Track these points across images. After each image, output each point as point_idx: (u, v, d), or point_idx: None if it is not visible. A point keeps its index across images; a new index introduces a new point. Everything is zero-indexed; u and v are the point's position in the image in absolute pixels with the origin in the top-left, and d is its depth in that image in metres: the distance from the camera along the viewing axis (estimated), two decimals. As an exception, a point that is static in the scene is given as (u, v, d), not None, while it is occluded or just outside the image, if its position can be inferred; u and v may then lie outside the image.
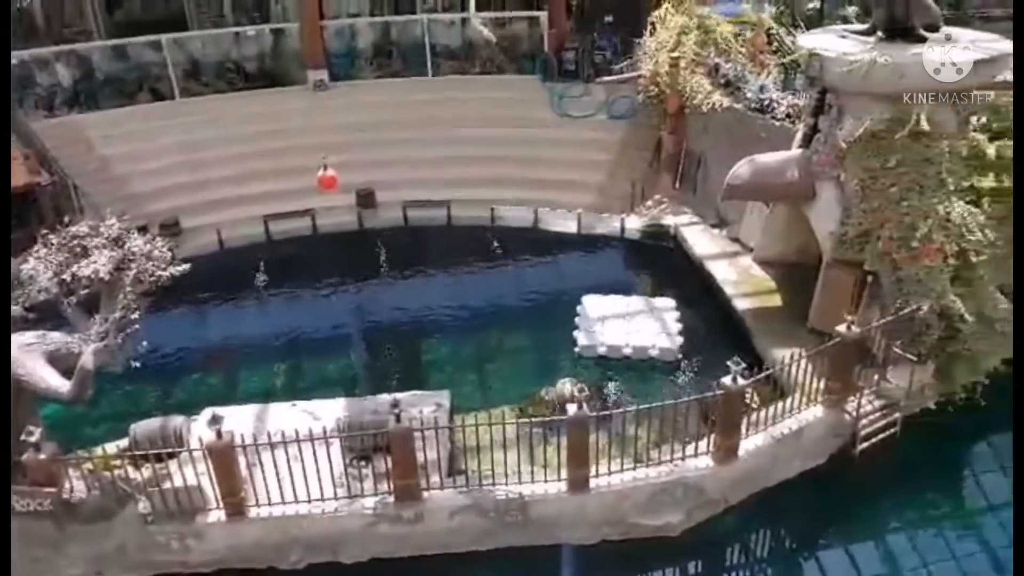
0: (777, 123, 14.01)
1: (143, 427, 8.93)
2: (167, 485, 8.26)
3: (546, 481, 8.67)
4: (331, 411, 9.60)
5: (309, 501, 8.39)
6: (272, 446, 8.18)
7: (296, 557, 8.58)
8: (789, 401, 9.57)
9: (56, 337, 8.02)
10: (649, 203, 16.58)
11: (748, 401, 9.36)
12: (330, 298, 14.72)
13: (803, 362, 9.34)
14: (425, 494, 8.51)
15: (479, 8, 20.98)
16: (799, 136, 12.24)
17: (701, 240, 14.87)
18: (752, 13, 17.66)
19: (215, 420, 8.03)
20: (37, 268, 8.00)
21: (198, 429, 8.91)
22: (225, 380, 12.52)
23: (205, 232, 16.27)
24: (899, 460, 10.05)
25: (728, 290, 13.00)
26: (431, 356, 12.98)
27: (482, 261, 15.73)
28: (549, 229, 16.41)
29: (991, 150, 10.57)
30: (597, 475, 8.68)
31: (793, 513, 9.67)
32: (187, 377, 12.34)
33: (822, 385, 9.69)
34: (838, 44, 11.12)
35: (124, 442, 8.99)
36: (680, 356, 12.03)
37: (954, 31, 11.19)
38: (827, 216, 11.23)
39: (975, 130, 11.02)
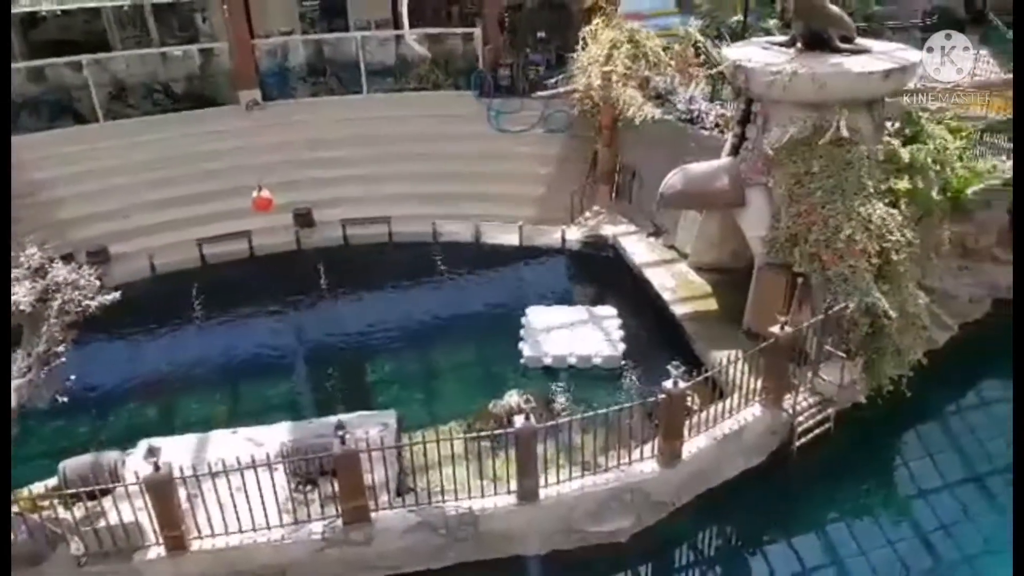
0: (707, 133, 14.44)
1: (73, 464, 8.56)
2: (101, 523, 7.95)
3: (496, 494, 8.69)
4: (274, 436, 9.42)
5: (254, 530, 8.20)
6: (213, 476, 7.96)
7: (243, 588, 8.36)
8: (728, 402, 9.84)
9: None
10: (588, 214, 16.85)
11: (689, 404, 9.58)
12: (270, 321, 14.45)
13: (740, 363, 9.61)
14: (374, 515, 8.41)
15: (413, 25, 20.99)
16: (728, 145, 12.64)
17: (639, 249, 15.17)
18: (679, 27, 18.20)
19: (151, 452, 7.79)
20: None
21: (133, 463, 8.61)
22: (162, 411, 12.14)
23: (135, 258, 15.79)
24: (834, 454, 10.42)
25: (666, 296, 13.30)
26: (376, 375, 12.86)
27: (425, 277, 15.70)
28: (491, 243, 16.50)
29: (905, 154, 11.10)
30: (546, 485, 8.75)
31: (738, 511, 9.90)
32: (121, 410, 11.93)
33: (759, 385, 9.99)
34: (761, 56, 11.57)
35: (53, 481, 8.62)
36: (623, 363, 12.24)
37: (867, 42, 11.78)
38: (757, 221, 11.62)
39: (890, 135, 11.57)
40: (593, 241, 16.05)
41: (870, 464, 10.78)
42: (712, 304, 13.01)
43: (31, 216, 15.53)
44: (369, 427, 9.27)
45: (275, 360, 13.41)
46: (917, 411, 11.17)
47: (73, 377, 8.12)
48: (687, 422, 9.31)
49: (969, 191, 11.70)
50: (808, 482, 10.30)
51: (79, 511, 8.08)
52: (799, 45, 11.62)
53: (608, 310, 13.43)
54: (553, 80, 18.50)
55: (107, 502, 8.21)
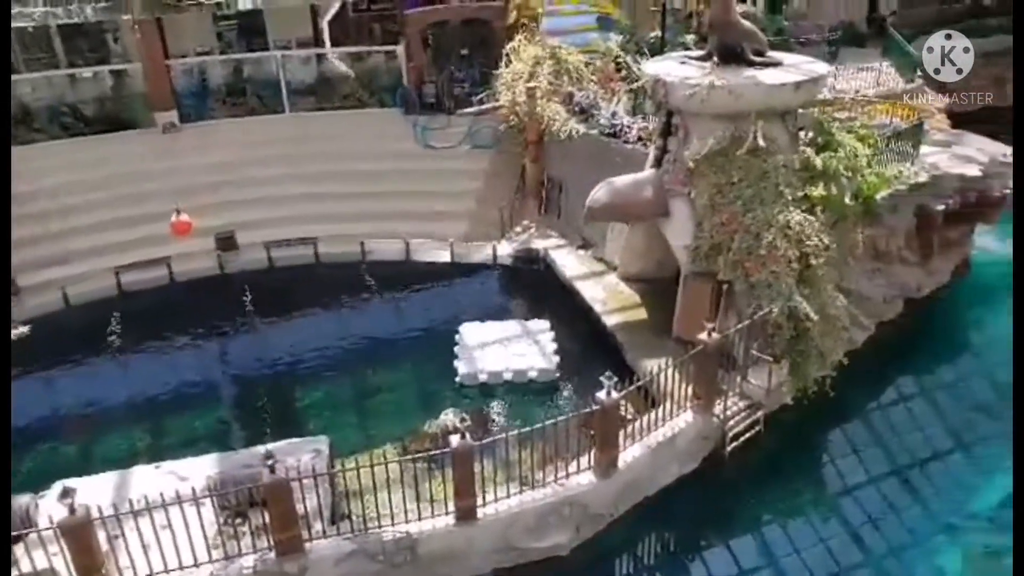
0: (630, 146, 14.73)
1: (-20, 511, 8.03)
2: (14, 573, 7.45)
3: (434, 516, 8.55)
4: (200, 469, 9.07)
5: (182, 568, 7.84)
6: (136, 515, 7.59)
7: (171, 631, 7.96)
8: (661, 410, 9.96)
9: None
10: (518, 229, 16.92)
11: (623, 414, 9.66)
12: (194, 349, 13.94)
13: (671, 371, 9.77)
14: (308, 545, 8.16)
15: (335, 43, 20.79)
16: (651, 157, 12.90)
17: (569, 262, 15.30)
18: (600, 43, 18.56)
19: (66, 494, 7.38)
20: None
21: (48, 506, 8.13)
22: (79, 450, 11.52)
23: (47, 290, 15.01)
24: (765, 455, 10.71)
25: (597, 308, 13.43)
26: (307, 401, 12.52)
27: (355, 297, 15.44)
28: (422, 260, 16.38)
29: (818, 162, 11.52)
30: (484, 504, 8.66)
31: (675, 518, 10.03)
32: (33, 451, 11.25)
33: (690, 391, 10.17)
34: (679, 70, 11.88)
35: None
36: (558, 376, 12.29)
37: (779, 55, 12.24)
38: (681, 231, 11.87)
39: (804, 144, 12.02)
40: (524, 255, 16.11)
41: (800, 464, 11.11)
42: (642, 314, 13.21)
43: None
44: (300, 454, 9.04)
45: (200, 390, 12.92)
46: (841, 410, 11.60)
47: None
48: (622, 432, 9.38)
49: (878, 196, 12.22)
50: (742, 485, 10.53)
51: (-14, 562, 7.56)
52: (715, 59, 11.97)
53: (542, 324, 13.48)
54: (478, 97, 18.59)
55: (19, 550, 7.71)
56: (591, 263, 15.16)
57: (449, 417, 10.46)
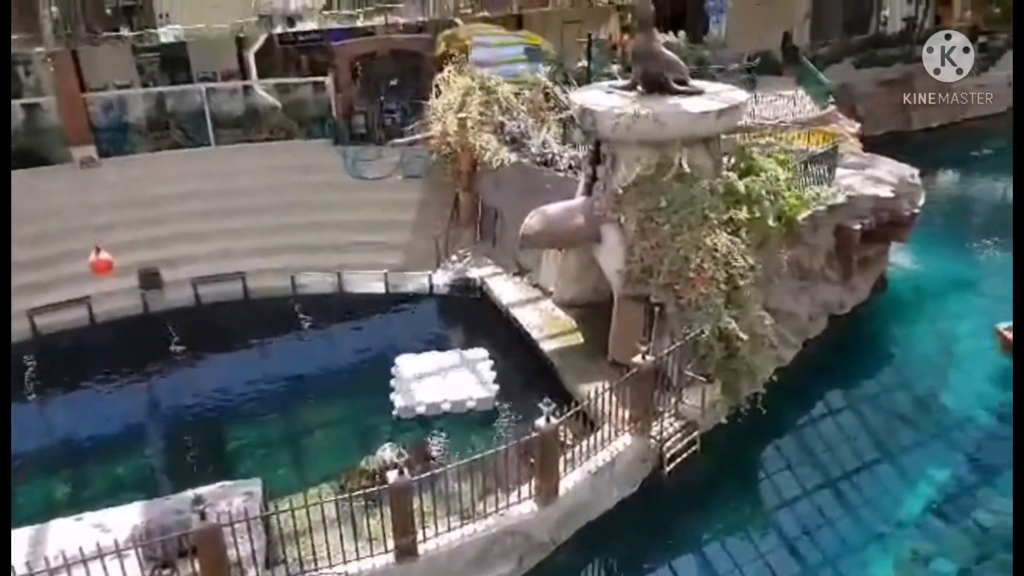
0: (562, 174, 14.94)
1: None
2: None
3: (373, 555, 8.32)
4: (125, 519, 8.59)
5: (104, 628, 7.38)
6: (52, 572, 7.12)
7: None
8: (600, 434, 10.01)
9: None
10: (454, 258, 16.90)
11: (562, 440, 9.65)
12: (117, 393, 13.32)
13: (607, 395, 9.83)
14: (241, 594, 7.81)
15: (262, 75, 20.50)
16: (581, 185, 13.10)
17: (506, 289, 15.35)
18: (528, 73, 18.86)
19: (-26, 555, 6.86)
20: None
21: (-47, 569, 7.55)
22: (-10, 504, 10.79)
23: (-46, 335, 14.14)
24: (703, 474, 10.85)
25: (534, 334, 13.48)
26: (239, 442, 12.08)
27: (286, 333, 15.09)
28: (356, 292, 16.14)
29: (742, 186, 11.90)
30: (425, 539, 8.48)
31: (617, 542, 10.03)
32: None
33: (627, 414, 10.25)
34: (606, 99, 12.15)
35: None
36: (497, 404, 12.23)
37: (700, 84, 12.67)
38: (613, 256, 12.06)
39: (728, 170, 12.42)
40: (460, 284, 16.08)
41: (736, 481, 11.31)
42: (578, 338, 13.32)
43: None
44: (232, 498, 8.69)
45: (125, 435, 12.34)
46: (773, 426, 11.88)
47: None
48: (562, 458, 9.37)
49: (799, 218, 12.71)
50: (681, 505, 10.64)
51: None
52: (640, 88, 12.31)
53: (480, 352, 13.42)
54: (410, 127, 18.62)
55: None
56: (527, 290, 15.24)
57: (386, 452, 10.25)
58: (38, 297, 15.01)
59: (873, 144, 19.27)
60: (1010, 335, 13.55)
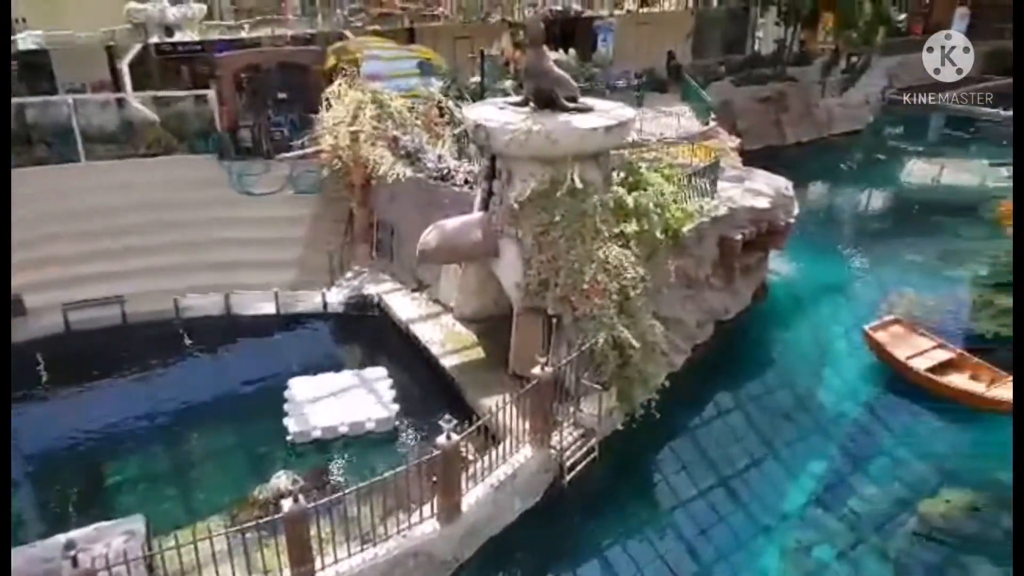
0: (458, 189, 14.93)
1: None
2: None
3: (269, 588, 7.97)
4: (-14, 571, 7.83)
5: None
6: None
7: None
8: (501, 448, 10.03)
9: None
10: (349, 274, 16.55)
11: (464, 455, 9.61)
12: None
13: (508, 407, 9.87)
14: (123, 642, 7.29)
15: (138, 87, 19.44)
16: (478, 200, 13.15)
17: (404, 305, 15.16)
18: (421, 88, 18.82)
19: None
20: None
21: None
22: None
23: None
24: (602, 481, 11.08)
25: (435, 350, 13.39)
26: (118, 478, 11.28)
27: (170, 359, 14.29)
28: (245, 314, 15.49)
29: (630, 200, 12.27)
30: (324, 567, 8.21)
31: (521, 554, 10.09)
32: None
33: (527, 426, 10.32)
34: (499, 115, 12.26)
35: None
36: (398, 424, 12.04)
37: (591, 101, 13.00)
38: (511, 270, 12.17)
39: (617, 184, 12.79)
40: (357, 302, 15.75)
41: (634, 485, 11.61)
42: (479, 353, 13.32)
43: None
44: (110, 539, 8.15)
45: (-15, 477, 11.27)
46: (667, 429, 12.30)
47: None
48: (464, 474, 9.31)
49: (685, 229, 13.25)
50: (582, 513, 10.80)
51: None
52: (532, 105, 12.49)
53: (378, 371, 13.18)
54: (299, 141, 18.13)
55: None
56: (427, 305, 15.12)
57: (281, 480, 9.89)
58: None
59: (751, 158, 20.42)
60: (875, 335, 14.65)
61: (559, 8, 26.74)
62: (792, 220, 15.99)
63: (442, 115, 17.72)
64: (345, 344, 15.28)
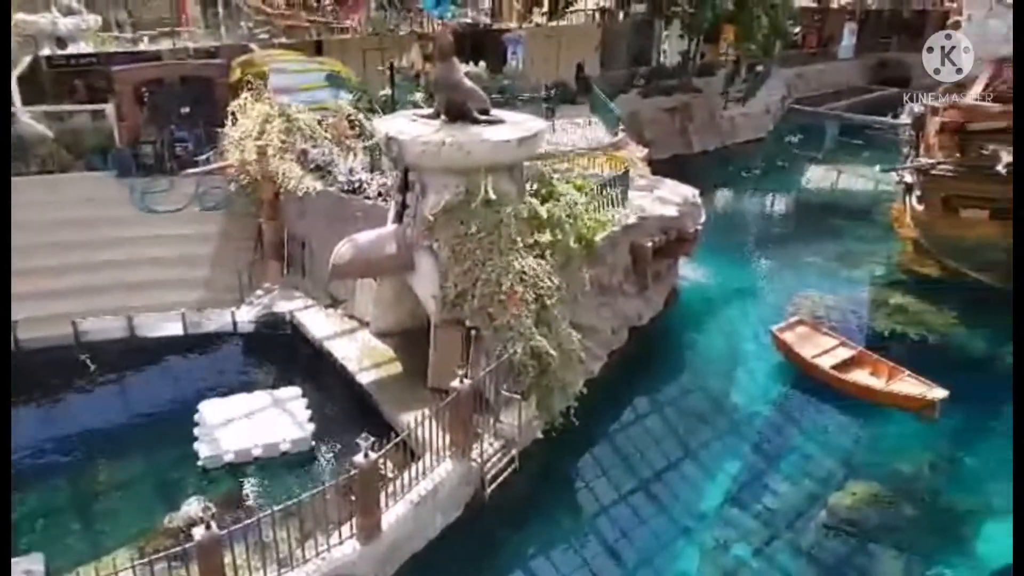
0: (371, 202, 14.77)
1: None
2: None
3: (180, 622, 7.63)
4: None
5: None
6: None
7: None
8: (421, 463, 9.94)
9: None
10: (260, 292, 16.08)
11: (383, 473, 9.48)
12: None
13: (427, 422, 9.80)
14: None
15: (28, 101, 18.37)
16: (392, 212, 13.05)
17: (318, 322, 14.84)
18: (331, 101, 18.54)
19: None
20: None
21: None
22: None
23: None
24: (523, 491, 11.14)
25: (351, 367, 13.16)
26: (14, 514, 10.57)
27: (68, 386, 13.50)
28: (150, 336, 14.79)
29: (544, 211, 12.44)
30: (239, 596, 7.93)
31: (443, 569, 9.99)
32: None
33: (447, 439, 10.28)
34: (410, 127, 12.22)
35: None
36: (314, 444, 11.76)
37: (502, 113, 13.13)
38: (428, 282, 12.11)
39: (531, 195, 12.94)
40: (268, 320, 15.30)
41: (555, 493, 11.73)
42: (397, 367, 13.18)
43: None
44: (4, 582, 7.56)
45: None
46: (586, 436, 12.50)
47: None
48: (383, 492, 9.18)
49: (598, 238, 13.53)
50: (505, 523, 10.83)
51: None
52: (443, 117, 12.51)
53: (292, 391, 12.84)
54: (204, 156, 17.51)
55: None
56: (342, 321, 14.84)
57: (192, 507, 9.51)
58: None
59: (659, 167, 21.06)
60: (782, 336, 15.33)
61: (468, 21, 26.91)
62: (700, 227, 16.56)
63: (353, 128, 17.50)
64: (257, 364, 14.78)
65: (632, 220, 14.84)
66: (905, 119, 22.38)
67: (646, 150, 22.35)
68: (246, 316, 15.31)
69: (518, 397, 10.97)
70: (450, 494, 10.11)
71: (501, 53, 26.61)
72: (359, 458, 8.52)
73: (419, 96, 19.49)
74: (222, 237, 17.03)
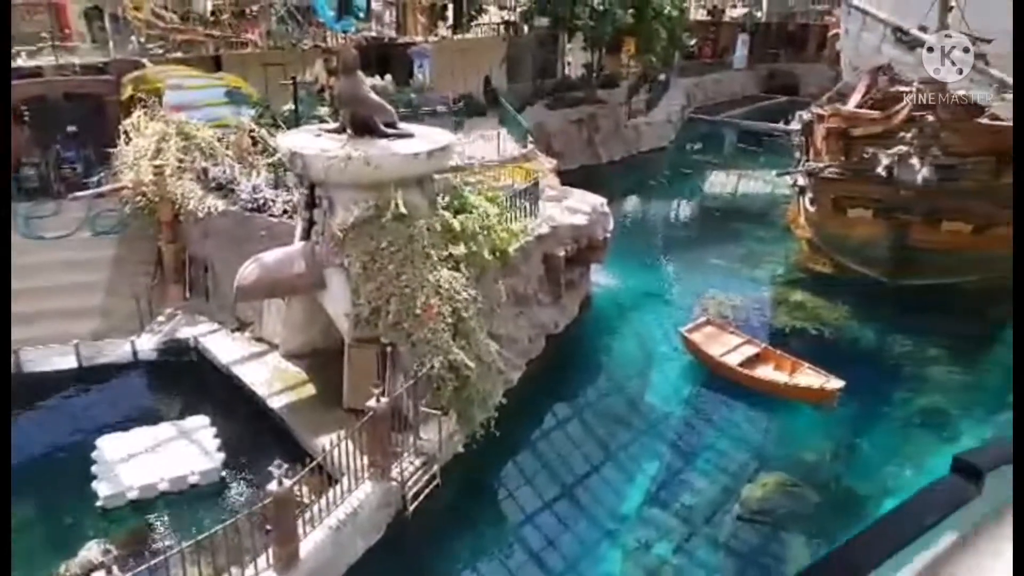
0: (276, 220, 14.33)
1: None
2: None
3: (81, 677, 7.10)
4: None
5: None
6: None
7: None
8: (339, 487, 9.66)
9: None
10: (161, 318, 15.30)
11: (299, 500, 9.15)
12: None
13: (343, 444, 9.54)
14: None
15: None
16: (299, 230, 12.68)
17: (225, 347, 14.23)
18: (232, 117, 17.93)
19: None
20: None
21: None
22: None
23: None
24: (447, 507, 11.00)
25: (261, 391, 12.68)
26: None
27: (-52, 430, 12.43)
28: (38, 371, 13.76)
29: (456, 224, 12.39)
30: (147, 643, 7.45)
31: (368, 594, 9.74)
32: None
33: (366, 460, 10.03)
34: (315, 143, 11.94)
35: None
36: (224, 474, 11.25)
37: (410, 127, 13.02)
38: (340, 300, 11.83)
39: (443, 208, 12.87)
40: (171, 347, 14.56)
41: (479, 506, 11.67)
42: (310, 390, 12.79)
43: None
44: None
45: None
46: (508, 446, 12.49)
47: None
48: (300, 519, 8.85)
49: (511, 249, 13.58)
50: (429, 541, 10.68)
51: None
52: (349, 131, 12.28)
53: (200, 420, 12.25)
54: (96, 178, 16.58)
55: None
56: (250, 345, 14.29)
57: (91, 551, 8.91)
58: None
59: (568, 177, 21.44)
60: (690, 336, 15.82)
61: (373, 35, 26.62)
62: (609, 234, 16.91)
63: (255, 144, 16.95)
64: (161, 394, 14.04)
65: (544, 230, 14.98)
66: (796, 126, 23.69)
67: (555, 161, 22.69)
68: (147, 344, 14.52)
69: (438, 412, 10.83)
70: (370, 516, 9.85)
71: (407, 66, 26.44)
72: (273, 486, 8.19)
73: (324, 111, 19.09)
74: (118, 262, 16.11)
